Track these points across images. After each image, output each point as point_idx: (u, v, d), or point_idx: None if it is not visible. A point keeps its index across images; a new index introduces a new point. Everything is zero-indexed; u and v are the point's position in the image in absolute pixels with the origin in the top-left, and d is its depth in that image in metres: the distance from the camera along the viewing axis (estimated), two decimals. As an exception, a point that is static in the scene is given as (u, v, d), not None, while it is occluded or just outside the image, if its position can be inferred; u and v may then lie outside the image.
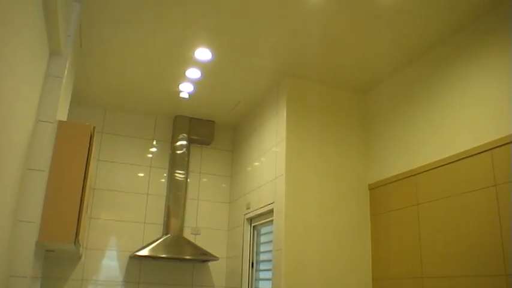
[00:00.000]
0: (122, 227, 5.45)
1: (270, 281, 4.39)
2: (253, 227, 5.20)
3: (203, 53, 4.29)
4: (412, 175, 3.98)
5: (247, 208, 5.22)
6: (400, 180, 4.14)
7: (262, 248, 5.03)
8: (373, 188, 4.54)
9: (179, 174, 5.65)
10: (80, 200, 3.22)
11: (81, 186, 3.24)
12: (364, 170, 4.66)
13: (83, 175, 3.27)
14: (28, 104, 2.68)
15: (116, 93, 5.29)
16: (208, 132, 5.97)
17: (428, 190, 3.77)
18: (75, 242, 3.20)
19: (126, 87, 5.10)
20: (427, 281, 3.66)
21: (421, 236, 3.80)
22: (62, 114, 3.64)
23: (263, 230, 5.06)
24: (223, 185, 6.05)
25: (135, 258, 5.35)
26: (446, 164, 3.62)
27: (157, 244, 5.18)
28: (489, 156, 3.24)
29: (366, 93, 4.88)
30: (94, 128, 3.45)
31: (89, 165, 3.35)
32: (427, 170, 3.81)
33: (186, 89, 5.05)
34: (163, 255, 5.07)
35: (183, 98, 5.25)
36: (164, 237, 5.33)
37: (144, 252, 5.03)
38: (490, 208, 3.17)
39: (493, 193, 3.16)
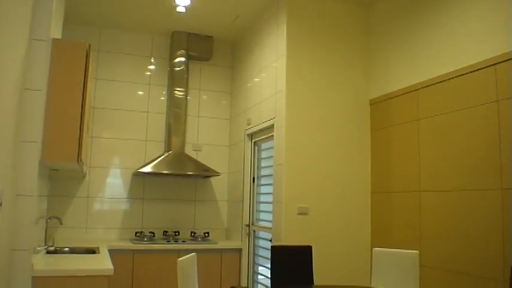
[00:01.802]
0: (124, 145, 5.51)
1: (271, 195, 4.50)
2: (254, 142, 5.25)
3: (199, -36, 4.08)
4: (414, 90, 3.94)
5: (248, 124, 5.24)
6: (401, 95, 4.11)
7: (263, 163, 5.11)
8: (373, 103, 4.52)
9: (178, 92, 5.61)
10: (80, 118, 3.23)
11: (80, 105, 3.23)
12: (365, 85, 4.61)
13: (81, 93, 3.24)
14: (19, 22, 2.59)
15: (110, 11, 5.11)
16: (206, 48, 5.85)
17: (430, 105, 3.76)
18: (78, 161, 3.25)
19: (121, 3, 4.91)
20: (424, 195, 3.75)
21: (420, 151, 3.84)
22: (56, 33, 3.54)
23: (264, 145, 5.11)
24: (224, 102, 6.03)
25: (138, 175, 5.46)
26: (449, 79, 3.57)
27: (160, 161, 5.26)
28: (492, 71, 3.18)
29: (367, 7, 4.71)
30: (89, 45, 3.36)
31: (86, 83, 3.31)
32: (429, 85, 3.77)
33: (182, 3, 4.87)
34: (165, 172, 5.17)
35: (180, 12, 5.07)
36: (166, 154, 5.39)
37: (147, 169, 5.11)
38: (491, 123, 3.17)
39: (495, 108, 3.15)
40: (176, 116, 5.56)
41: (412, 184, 3.90)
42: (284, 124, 4.28)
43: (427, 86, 3.79)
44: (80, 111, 3.23)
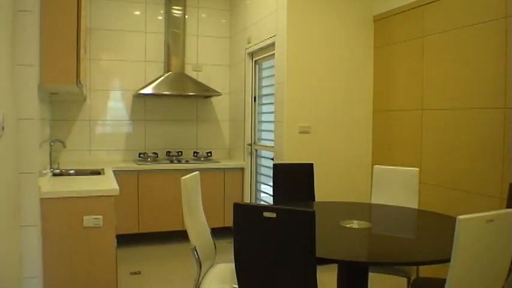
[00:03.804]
0: (123, 67, 5.43)
1: (272, 114, 4.50)
2: (255, 61, 5.17)
3: None
4: (419, 6, 3.80)
5: (248, 42, 5.13)
6: (405, 11, 3.97)
7: (264, 82, 5.06)
8: (377, 19, 4.38)
9: (176, 10, 5.44)
10: (76, 39, 3.15)
11: (76, 25, 3.14)
12: (369, 0, 4.45)
13: (76, 14, 3.14)
14: None
15: None
16: (203, -37, 5.60)
17: (435, 22, 3.64)
18: (77, 83, 3.22)
19: None
20: (426, 113, 3.74)
21: (423, 69, 3.78)
22: None
23: (264, 64, 5.03)
24: (223, 20, 5.86)
25: (139, 97, 5.44)
26: (456, -8, 3.44)
27: (160, 82, 5.21)
28: (502, -16, 3.05)
29: None
30: (80, -38, 3.21)
31: (80, 3, 3.20)
32: (434, 1, 3.63)
33: None
34: (166, 93, 5.14)
35: None
36: (166, 75, 5.34)
37: (148, 90, 5.08)
38: (498, 41, 3.08)
39: (503, 25, 3.04)
40: (175, 36, 5.44)
41: (415, 102, 3.88)
42: (285, 42, 4.18)
43: (432, 2, 3.65)
44: (76, 32, 3.15)
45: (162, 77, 5.29)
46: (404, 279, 3.06)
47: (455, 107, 3.44)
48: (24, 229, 2.92)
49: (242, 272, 2.02)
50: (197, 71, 5.73)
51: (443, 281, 1.72)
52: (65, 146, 4.61)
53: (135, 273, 4.11)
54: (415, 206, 3.18)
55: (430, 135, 3.72)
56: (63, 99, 5.01)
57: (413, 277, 2.85)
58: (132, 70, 5.47)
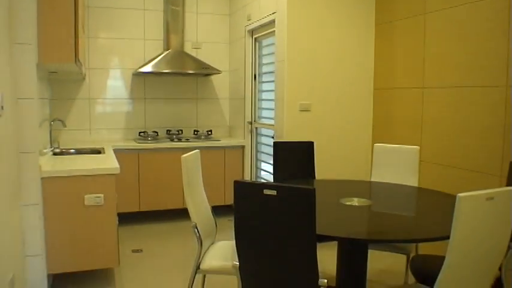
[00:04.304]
0: (122, 45, 5.39)
1: (273, 92, 4.48)
2: (255, 39, 5.13)
3: None
4: (421, -20, 3.76)
5: (248, 20, 5.08)
6: (408, -14, 3.93)
7: (265, 60, 5.03)
8: (379, -5, 4.33)
9: (175, -13, 5.37)
10: (74, 17, 3.13)
11: (74, 3, 3.12)
12: (370, -25, 4.39)
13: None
14: None
15: None
16: None
17: (437, -3, 3.60)
18: (75, 61, 3.20)
19: None
20: (427, 91, 3.73)
21: (425, 47, 3.74)
22: None
23: (265, 42, 4.99)
24: (222, -3, 5.80)
25: (138, 75, 5.41)
26: (459, -33, 3.39)
27: (159, 60, 5.17)
28: (507, -43, 3.00)
29: None
30: None
31: (77, -20, 3.16)
32: (438, -26, 3.59)
33: None
34: (166, 71, 5.10)
35: None
36: (165, 53, 5.29)
37: (147, 68, 5.05)
38: (500, 18, 3.04)
39: (505, 2, 3.00)
40: (174, 14, 5.38)
41: (416, 80, 3.85)
42: (286, 19, 4.14)
43: (435, -24, 3.61)
44: (74, 10, 3.12)
45: (162, 55, 5.25)
46: (404, 256, 3.09)
47: (457, 85, 3.43)
48: (25, 208, 2.94)
49: (242, 249, 2.03)
50: (197, 48, 5.68)
51: (443, 258, 1.73)
52: (64, 125, 4.60)
53: (137, 250, 4.15)
54: (415, 184, 3.20)
55: (430, 113, 3.71)
56: (62, 78, 4.98)
57: (412, 254, 2.88)
58: (131, 48, 5.42)
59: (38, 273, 3.03)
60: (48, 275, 3.12)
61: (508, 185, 2.64)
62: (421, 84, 3.79)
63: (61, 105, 5.13)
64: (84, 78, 5.14)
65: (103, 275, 3.54)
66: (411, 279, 2.70)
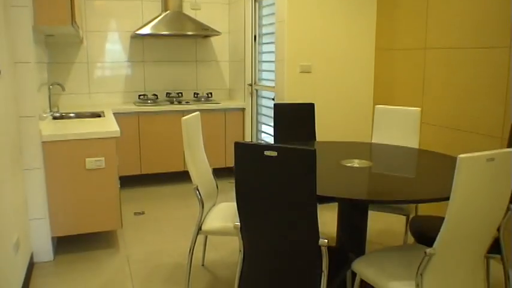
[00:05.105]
0: (119, 7, 5.29)
1: (273, 54, 4.43)
2: (254, -1, 5.04)
3: None
4: None
5: (247, -20, 4.98)
6: None
7: (265, 21, 4.94)
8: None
9: None
10: (69, -22, 3.06)
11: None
12: None
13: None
14: None
15: None
16: None
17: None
18: (72, 23, 3.15)
19: None
20: (429, 52, 3.68)
21: (428, 7, 3.67)
22: None
23: (265, 1, 4.90)
24: (221, -45, 5.66)
25: (137, 38, 5.33)
26: None
27: (158, 22, 5.09)
28: None
29: None
30: None
31: None
32: None
33: None
34: (164, 33, 5.03)
35: None
36: (164, 14, 5.20)
37: (146, 30, 4.97)
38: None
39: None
40: (171, -27, 5.26)
41: (418, 41, 3.80)
42: (285, -22, 4.05)
43: None
44: (69, -30, 3.06)
45: (160, 17, 5.16)
46: (403, 217, 3.13)
47: (459, 46, 3.38)
48: (27, 172, 2.96)
49: (243, 210, 2.05)
50: (195, 9, 5.58)
51: (442, 219, 1.75)
52: (63, 89, 4.57)
53: (139, 213, 4.19)
54: (415, 145, 3.19)
55: (432, 75, 3.67)
56: (59, 42, 4.91)
57: (412, 215, 2.91)
58: (128, 10, 5.33)
59: (42, 236, 3.08)
60: (52, 238, 3.17)
61: (508, 146, 2.63)
62: (423, 45, 3.74)
63: (59, 69, 5.09)
64: (81, 42, 5.08)
65: (106, 237, 3.59)
66: (410, 239, 2.74)
